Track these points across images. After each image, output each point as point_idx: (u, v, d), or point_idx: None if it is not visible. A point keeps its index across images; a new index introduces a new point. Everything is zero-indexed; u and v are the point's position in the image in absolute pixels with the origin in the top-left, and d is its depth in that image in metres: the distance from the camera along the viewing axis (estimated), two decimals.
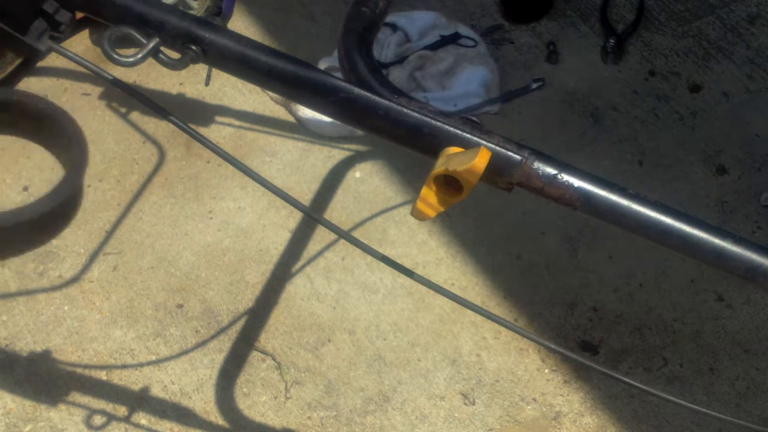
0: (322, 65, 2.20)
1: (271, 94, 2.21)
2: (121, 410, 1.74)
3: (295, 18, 2.40)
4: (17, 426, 1.71)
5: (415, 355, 1.84)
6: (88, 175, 2.02)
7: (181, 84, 2.23)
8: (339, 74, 0.92)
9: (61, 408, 1.73)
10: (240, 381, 1.79)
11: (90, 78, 2.20)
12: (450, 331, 1.87)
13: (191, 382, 1.78)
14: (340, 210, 2.04)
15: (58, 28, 0.90)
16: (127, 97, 2.13)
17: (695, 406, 1.02)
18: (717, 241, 0.84)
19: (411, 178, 2.09)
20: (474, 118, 0.88)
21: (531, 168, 0.84)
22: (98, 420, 1.72)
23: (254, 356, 1.82)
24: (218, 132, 2.16)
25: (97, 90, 2.19)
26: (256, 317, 1.87)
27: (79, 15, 0.91)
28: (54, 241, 1.95)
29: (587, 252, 1.99)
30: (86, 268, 1.92)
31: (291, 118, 2.19)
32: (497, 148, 0.84)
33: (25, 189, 2.01)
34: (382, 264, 1.13)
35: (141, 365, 1.80)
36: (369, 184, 2.09)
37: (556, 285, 1.94)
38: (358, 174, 2.10)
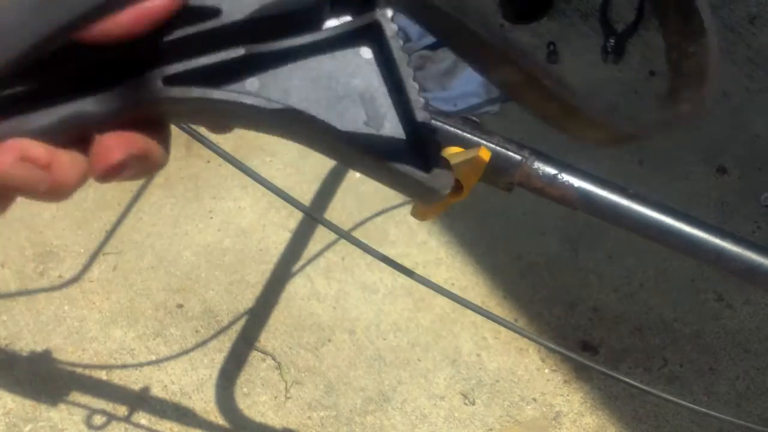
0: None
1: None
2: (121, 410, 1.74)
3: None
4: (17, 426, 1.71)
5: (415, 355, 1.84)
6: None
7: None
8: None
9: (61, 408, 1.73)
10: (240, 381, 1.79)
11: None
12: (450, 331, 1.87)
13: (191, 382, 1.78)
14: (340, 210, 2.04)
15: None
16: None
17: (695, 406, 1.02)
18: (717, 241, 0.84)
19: None
20: (474, 118, 0.87)
21: (531, 168, 0.84)
22: (98, 420, 1.72)
23: (254, 356, 1.82)
24: None
25: None
26: (256, 317, 1.87)
27: None
28: (54, 241, 1.95)
29: (587, 252, 1.99)
30: (86, 267, 1.92)
31: None
32: (497, 148, 0.84)
33: None
34: (382, 264, 1.13)
35: (141, 365, 1.80)
36: (369, 184, 2.09)
37: (556, 285, 1.94)
38: (358, 174, 2.10)
